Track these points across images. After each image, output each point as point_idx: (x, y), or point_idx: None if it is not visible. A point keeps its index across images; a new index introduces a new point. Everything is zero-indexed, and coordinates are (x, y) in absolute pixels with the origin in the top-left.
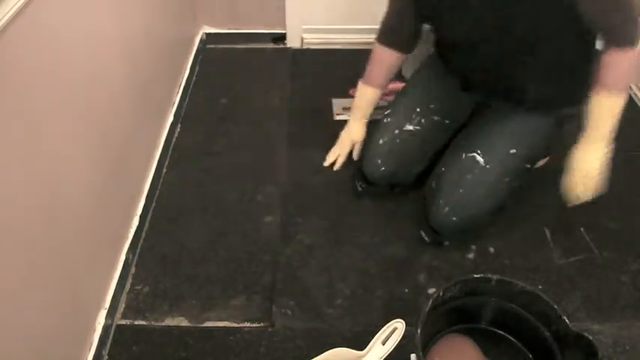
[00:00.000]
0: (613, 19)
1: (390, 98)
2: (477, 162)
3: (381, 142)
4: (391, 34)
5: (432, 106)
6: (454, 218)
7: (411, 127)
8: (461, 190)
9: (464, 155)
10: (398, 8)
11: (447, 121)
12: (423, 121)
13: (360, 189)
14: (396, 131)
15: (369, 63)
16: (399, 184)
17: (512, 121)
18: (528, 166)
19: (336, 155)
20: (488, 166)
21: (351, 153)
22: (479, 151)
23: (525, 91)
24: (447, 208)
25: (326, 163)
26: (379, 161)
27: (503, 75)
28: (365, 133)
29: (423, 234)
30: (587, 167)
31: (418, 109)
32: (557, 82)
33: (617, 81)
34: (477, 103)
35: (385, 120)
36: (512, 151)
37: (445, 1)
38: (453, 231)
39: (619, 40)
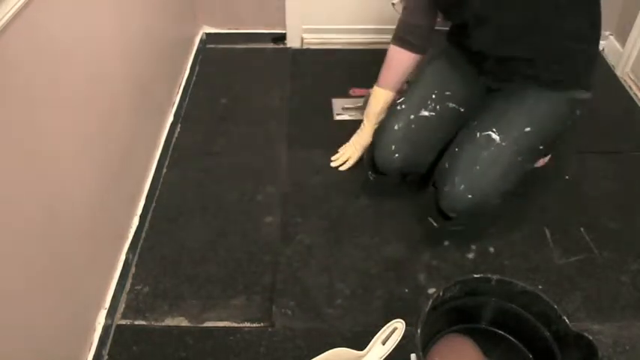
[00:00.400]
0: None
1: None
2: (493, 139)
3: (396, 127)
4: (408, 34)
5: (448, 93)
6: (470, 196)
7: (426, 113)
8: (477, 167)
9: (478, 134)
10: (415, 5)
11: (462, 109)
12: (438, 107)
13: (371, 178)
14: (412, 116)
15: (384, 66)
16: (412, 172)
17: (527, 102)
18: (542, 147)
19: (346, 157)
20: (504, 144)
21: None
22: (494, 129)
23: (536, 68)
24: (462, 186)
25: (334, 164)
26: (393, 147)
27: (516, 49)
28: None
29: (431, 220)
30: None
31: (434, 96)
32: (565, 61)
33: None
34: (489, 91)
35: (399, 107)
36: (527, 129)
37: None
38: (466, 211)
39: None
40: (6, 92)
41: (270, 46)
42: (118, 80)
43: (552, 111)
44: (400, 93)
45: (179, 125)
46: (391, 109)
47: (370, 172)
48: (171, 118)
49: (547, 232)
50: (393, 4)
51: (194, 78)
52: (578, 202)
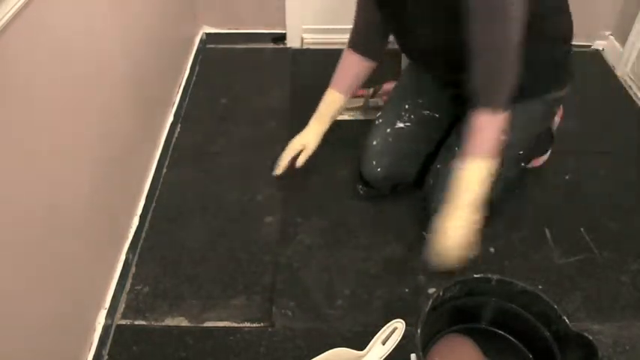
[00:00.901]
0: (491, 77)
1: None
2: None
3: (374, 143)
4: (360, 40)
5: (420, 101)
6: None
7: (401, 125)
8: None
9: (457, 149)
10: (365, 17)
11: (437, 115)
12: (412, 117)
13: (361, 192)
14: (388, 130)
15: (337, 68)
16: (400, 183)
17: None
18: (521, 152)
19: (286, 160)
20: None
21: (295, 159)
22: None
23: None
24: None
25: (274, 173)
26: (374, 162)
27: (465, 76)
28: (319, 140)
29: (424, 234)
30: (451, 235)
31: (407, 106)
32: (525, 72)
33: (485, 144)
34: (463, 98)
35: (377, 121)
36: (503, 139)
37: (393, 17)
38: None
39: (491, 100)
40: (6, 92)
41: (270, 46)
42: (118, 80)
43: (527, 118)
44: (383, 91)
45: (179, 125)
46: (371, 125)
47: (360, 186)
48: (171, 118)
49: (547, 232)
50: None
51: (194, 78)
52: (578, 202)
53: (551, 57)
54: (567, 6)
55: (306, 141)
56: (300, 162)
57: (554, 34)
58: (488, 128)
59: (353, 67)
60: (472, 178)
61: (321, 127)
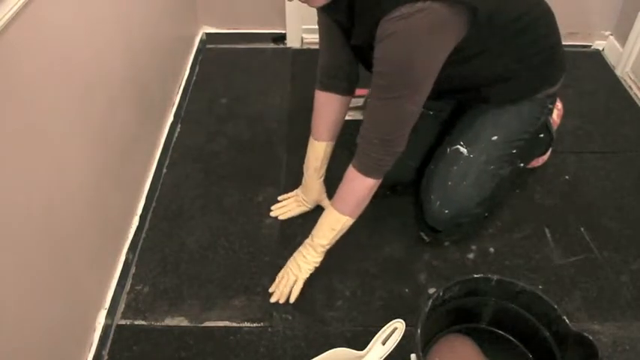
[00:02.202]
0: (378, 133)
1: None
2: (461, 153)
3: None
4: (332, 80)
5: None
6: (446, 211)
7: None
8: (449, 183)
9: (448, 150)
10: (333, 55)
11: (431, 112)
12: None
13: None
14: None
15: (313, 115)
16: (399, 183)
17: (492, 112)
18: (515, 151)
19: (287, 210)
20: (471, 156)
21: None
22: (462, 143)
23: (485, 94)
24: (438, 203)
25: (273, 214)
26: None
27: (456, 90)
28: (323, 190)
29: (422, 235)
30: (293, 268)
31: None
32: (513, 80)
33: (349, 203)
34: (459, 99)
35: None
36: (494, 138)
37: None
38: (448, 225)
39: (366, 164)
40: (6, 92)
41: (270, 46)
42: (118, 80)
43: (519, 115)
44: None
45: (179, 125)
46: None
47: None
48: (171, 118)
49: (547, 232)
50: None
51: (194, 78)
52: (578, 202)
53: (539, 60)
54: (548, 6)
55: (314, 198)
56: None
57: (538, 37)
58: (353, 188)
59: (331, 108)
60: (328, 224)
61: (319, 180)
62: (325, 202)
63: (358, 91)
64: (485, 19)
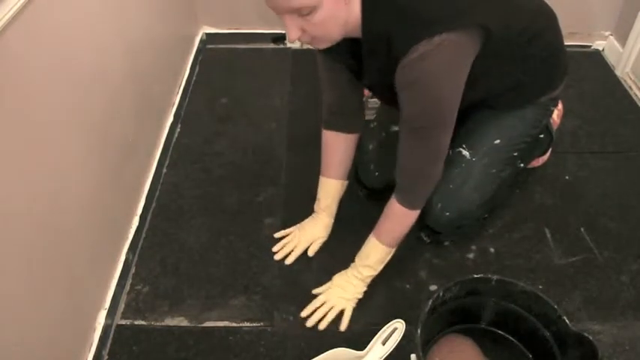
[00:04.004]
0: (416, 172)
1: None
2: (463, 156)
3: (370, 147)
4: (338, 118)
5: None
6: (447, 213)
7: (396, 128)
8: (450, 186)
9: (450, 152)
10: (337, 93)
11: None
12: None
13: (360, 194)
14: (383, 134)
15: (322, 154)
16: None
17: (495, 115)
18: (516, 154)
19: (291, 249)
20: (474, 159)
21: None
22: (464, 146)
23: (490, 102)
24: (439, 205)
25: (278, 257)
26: (372, 167)
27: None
28: (329, 231)
29: (422, 235)
30: (346, 299)
31: None
32: (518, 88)
33: (392, 235)
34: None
35: (372, 125)
36: (497, 141)
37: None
38: (448, 227)
39: (411, 199)
40: (6, 92)
41: (270, 46)
42: (118, 80)
43: (522, 119)
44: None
45: (179, 125)
46: (366, 129)
47: (360, 189)
48: (171, 118)
49: (547, 232)
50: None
51: (194, 78)
52: (578, 202)
53: (544, 67)
54: (549, 8)
55: (319, 235)
56: (312, 252)
57: (544, 44)
58: (400, 221)
59: (339, 147)
60: (378, 257)
61: (329, 219)
62: (319, 243)
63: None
64: (497, 36)
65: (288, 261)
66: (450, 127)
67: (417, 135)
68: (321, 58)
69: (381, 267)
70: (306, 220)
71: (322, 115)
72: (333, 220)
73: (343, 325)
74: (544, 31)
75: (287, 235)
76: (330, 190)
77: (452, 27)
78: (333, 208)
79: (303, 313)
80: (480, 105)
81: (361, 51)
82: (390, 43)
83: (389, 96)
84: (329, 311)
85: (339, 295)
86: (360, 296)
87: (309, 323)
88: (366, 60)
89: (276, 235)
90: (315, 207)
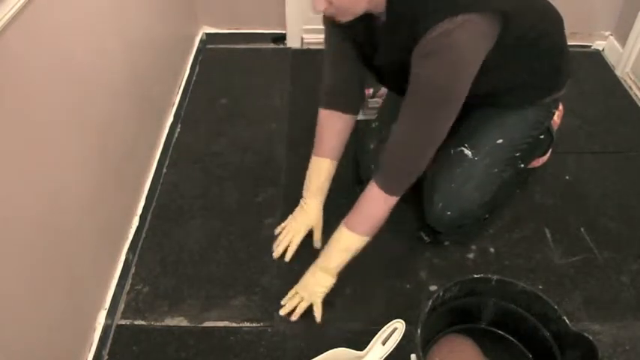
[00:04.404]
0: (401, 152)
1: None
2: (465, 155)
3: (371, 147)
4: (336, 98)
5: None
6: (448, 213)
7: None
8: (452, 185)
9: (452, 151)
10: (340, 73)
11: None
12: None
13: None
14: (384, 133)
15: (316, 132)
16: None
17: (497, 115)
18: (518, 154)
19: (286, 244)
20: (476, 158)
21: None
22: (466, 145)
23: (494, 100)
24: (440, 204)
25: (275, 255)
26: (372, 166)
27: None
28: (321, 215)
29: (422, 235)
30: (310, 291)
31: None
32: (523, 88)
33: (369, 223)
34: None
35: (373, 124)
36: (499, 141)
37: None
38: (449, 227)
39: (392, 183)
40: (6, 92)
41: (270, 46)
42: (118, 80)
43: (525, 120)
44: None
45: (179, 125)
46: (367, 128)
47: (359, 189)
48: (171, 118)
49: (547, 232)
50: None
51: (194, 78)
52: (578, 202)
53: (549, 67)
54: (555, 10)
55: (311, 219)
56: (317, 244)
57: (550, 44)
58: (376, 207)
59: (335, 126)
60: (341, 247)
61: (318, 199)
62: (318, 228)
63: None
64: (513, 26)
65: (287, 258)
66: (454, 114)
67: (421, 116)
68: (329, 34)
69: (347, 257)
70: (297, 210)
71: (320, 95)
72: (323, 204)
73: (317, 319)
74: (552, 32)
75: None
76: (323, 169)
77: (475, 9)
78: (324, 190)
79: (282, 302)
80: (484, 103)
81: (378, 28)
82: (413, 20)
83: (398, 78)
84: (298, 304)
85: (306, 291)
86: (328, 289)
87: (282, 312)
88: (383, 37)
89: (276, 231)
90: (304, 192)
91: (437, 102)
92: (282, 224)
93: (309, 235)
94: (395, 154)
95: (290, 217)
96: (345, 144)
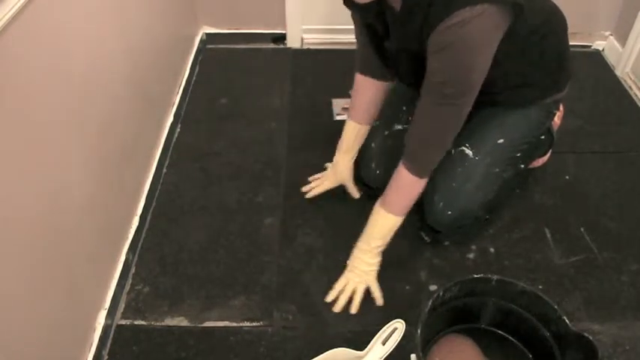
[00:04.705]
0: (426, 137)
1: None
2: (466, 155)
3: (373, 145)
4: (365, 64)
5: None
6: (449, 212)
7: (400, 127)
8: (453, 184)
9: (453, 151)
10: (363, 44)
11: None
12: (410, 118)
13: (362, 192)
14: (386, 132)
15: (352, 97)
16: None
17: (498, 114)
18: (519, 154)
19: (316, 185)
20: (477, 158)
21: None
22: (467, 144)
23: (496, 98)
24: (441, 204)
25: (306, 189)
26: (373, 165)
27: None
28: (352, 172)
29: (423, 235)
30: (362, 273)
31: (404, 107)
32: (524, 87)
33: (405, 204)
34: None
35: (375, 123)
36: (500, 140)
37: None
38: (450, 227)
39: (420, 166)
40: (6, 92)
41: (270, 46)
42: (118, 80)
43: (526, 120)
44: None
45: (179, 125)
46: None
47: (361, 187)
48: (171, 118)
49: (547, 232)
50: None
51: (194, 78)
52: (578, 202)
53: (551, 66)
54: (560, 11)
55: (341, 176)
56: (356, 194)
57: (554, 44)
58: (408, 189)
59: (366, 92)
60: (385, 227)
61: (348, 155)
62: (350, 184)
63: None
64: (523, 19)
65: (309, 195)
66: (473, 98)
67: (441, 101)
68: (353, 15)
69: (389, 237)
70: (331, 166)
71: (355, 59)
72: (353, 161)
73: (378, 300)
74: (557, 31)
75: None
76: (352, 132)
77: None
78: (354, 151)
79: (328, 298)
80: (485, 102)
81: (392, 15)
82: (430, 8)
83: (407, 66)
84: (354, 294)
85: (357, 274)
86: (377, 267)
87: (337, 308)
88: (396, 25)
89: (309, 178)
90: (337, 152)
91: (457, 91)
92: (316, 175)
93: (316, 234)
94: (418, 143)
95: (327, 165)
96: (378, 108)
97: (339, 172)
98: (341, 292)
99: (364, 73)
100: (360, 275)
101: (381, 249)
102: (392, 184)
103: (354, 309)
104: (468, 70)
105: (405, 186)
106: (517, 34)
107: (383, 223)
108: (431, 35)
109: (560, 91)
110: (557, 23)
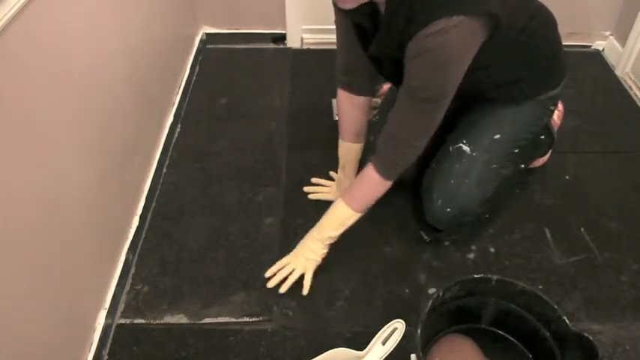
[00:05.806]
0: (398, 138)
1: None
2: (464, 151)
3: (371, 139)
4: (347, 76)
5: None
6: (448, 210)
7: None
8: (452, 181)
9: (451, 148)
10: (350, 54)
11: None
12: None
13: None
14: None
15: (338, 116)
16: (399, 181)
17: (495, 110)
18: (517, 150)
19: (319, 192)
20: (474, 154)
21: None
22: (464, 141)
23: (490, 95)
24: (440, 201)
25: (307, 189)
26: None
27: (463, 94)
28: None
29: (422, 234)
30: (304, 260)
31: None
32: (518, 83)
33: (364, 202)
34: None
35: (374, 119)
36: (497, 136)
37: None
38: (449, 225)
39: (389, 168)
40: (6, 92)
41: (270, 46)
42: (118, 80)
43: (522, 115)
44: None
45: (179, 125)
46: (369, 124)
47: None
48: (171, 118)
49: (547, 232)
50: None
51: (194, 78)
52: (578, 202)
53: (543, 63)
54: (548, 10)
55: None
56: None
57: (543, 41)
58: (372, 187)
59: (349, 109)
60: (340, 218)
61: (346, 179)
62: None
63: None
64: (504, 27)
65: (312, 197)
66: (446, 105)
67: (416, 106)
68: (336, 16)
69: (342, 230)
70: (337, 181)
71: (336, 74)
72: (354, 175)
73: (305, 290)
74: (544, 30)
75: None
76: (344, 151)
77: (470, 11)
78: (350, 171)
79: (267, 273)
80: (480, 98)
81: (379, 18)
82: (411, 15)
83: (391, 69)
84: (289, 274)
85: (299, 260)
86: (319, 259)
87: (270, 284)
88: (382, 28)
89: (313, 180)
90: (339, 170)
91: (427, 98)
92: (320, 180)
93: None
94: (388, 145)
95: (335, 176)
96: (363, 125)
97: (338, 188)
98: (279, 271)
99: (344, 87)
100: (301, 261)
101: (331, 241)
102: (358, 178)
103: (282, 289)
104: (444, 76)
105: (369, 184)
106: (501, 36)
107: (339, 213)
108: (409, 42)
109: (554, 88)
110: (543, 21)
